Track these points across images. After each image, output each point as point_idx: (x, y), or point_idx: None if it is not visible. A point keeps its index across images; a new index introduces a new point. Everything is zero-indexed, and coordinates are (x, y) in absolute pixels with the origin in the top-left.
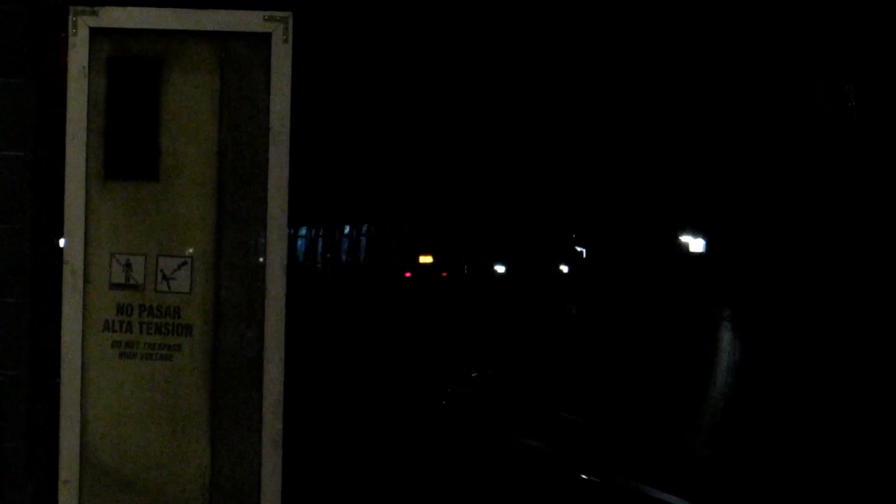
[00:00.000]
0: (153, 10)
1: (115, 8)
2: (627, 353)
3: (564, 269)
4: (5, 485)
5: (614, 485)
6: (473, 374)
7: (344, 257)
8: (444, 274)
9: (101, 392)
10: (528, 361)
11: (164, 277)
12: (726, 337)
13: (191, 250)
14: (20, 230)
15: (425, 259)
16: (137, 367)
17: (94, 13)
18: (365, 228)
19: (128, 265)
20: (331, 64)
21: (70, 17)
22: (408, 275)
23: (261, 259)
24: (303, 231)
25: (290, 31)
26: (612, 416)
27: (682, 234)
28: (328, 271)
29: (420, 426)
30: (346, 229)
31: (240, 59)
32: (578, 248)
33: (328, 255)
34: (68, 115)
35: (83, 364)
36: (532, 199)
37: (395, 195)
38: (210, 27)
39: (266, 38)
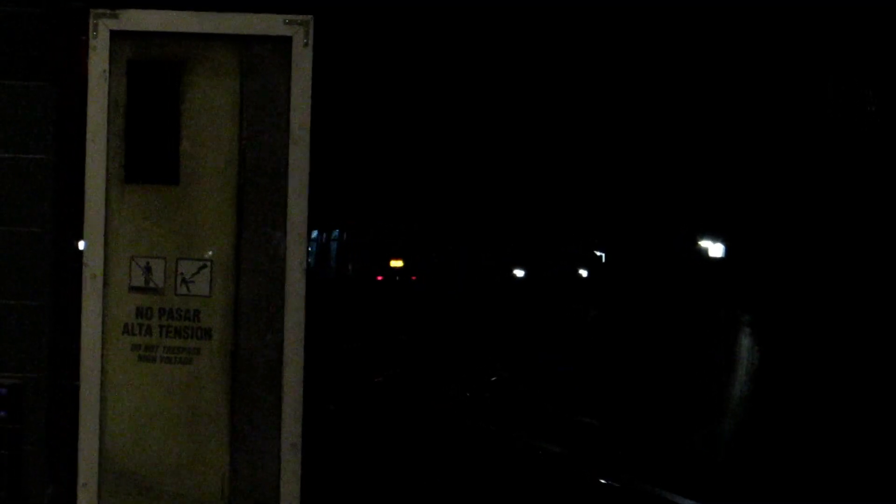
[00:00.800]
0: (174, 13)
1: (135, 11)
2: (646, 357)
3: (584, 272)
4: (25, 488)
5: (633, 490)
6: (493, 378)
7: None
8: (413, 278)
9: (120, 395)
10: (538, 357)
11: (184, 280)
12: (745, 342)
13: (210, 253)
14: (40, 233)
15: (396, 263)
16: (157, 370)
17: (114, 16)
18: (333, 233)
19: (147, 268)
20: (343, 67)
21: (91, 19)
22: (379, 278)
23: (281, 262)
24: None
25: (311, 34)
26: (632, 420)
27: (701, 238)
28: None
29: (438, 429)
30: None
31: (261, 62)
32: (598, 252)
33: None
34: (88, 119)
35: (103, 367)
36: (552, 203)
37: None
38: (231, 30)
39: (287, 41)
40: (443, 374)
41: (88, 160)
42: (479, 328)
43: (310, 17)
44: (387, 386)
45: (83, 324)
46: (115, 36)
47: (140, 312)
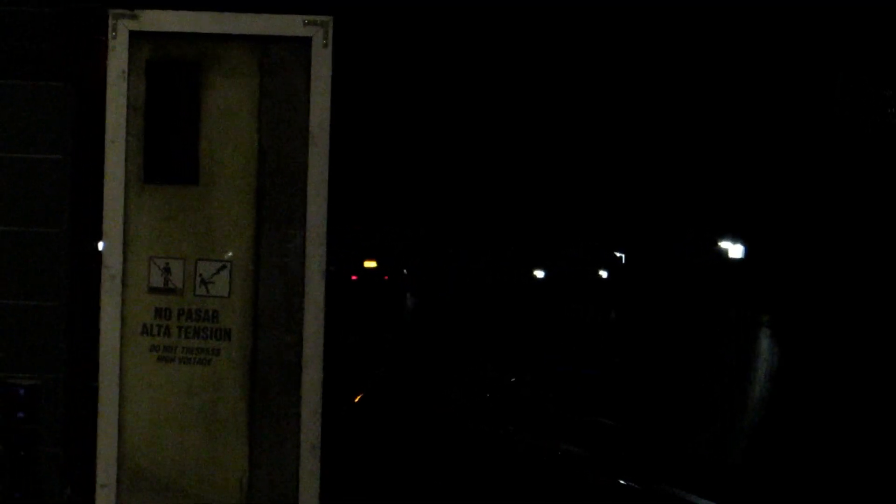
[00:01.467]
0: (193, 14)
1: (154, 11)
2: (666, 359)
3: (604, 274)
4: (43, 488)
5: (653, 491)
6: (512, 379)
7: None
8: (385, 277)
9: (138, 396)
10: (542, 358)
11: (203, 281)
12: (765, 343)
13: (230, 254)
14: (59, 234)
15: (369, 263)
16: (175, 371)
17: (133, 17)
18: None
19: (166, 269)
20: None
21: (110, 20)
22: (353, 278)
23: (300, 263)
24: None
25: (331, 35)
26: (651, 421)
27: (721, 239)
28: None
29: (457, 430)
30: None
31: (280, 62)
32: (618, 254)
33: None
34: (107, 119)
35: (121, 368)
36: (553, 206)
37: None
38: (250, 31)
39: (306, 42)
40: (444, 376)
41: (107, 160)
42: (475, 329)
43: (329, 17)
44: (382, 388)
45: (101, 324)
46: (134, 36)
47: (159, 313)
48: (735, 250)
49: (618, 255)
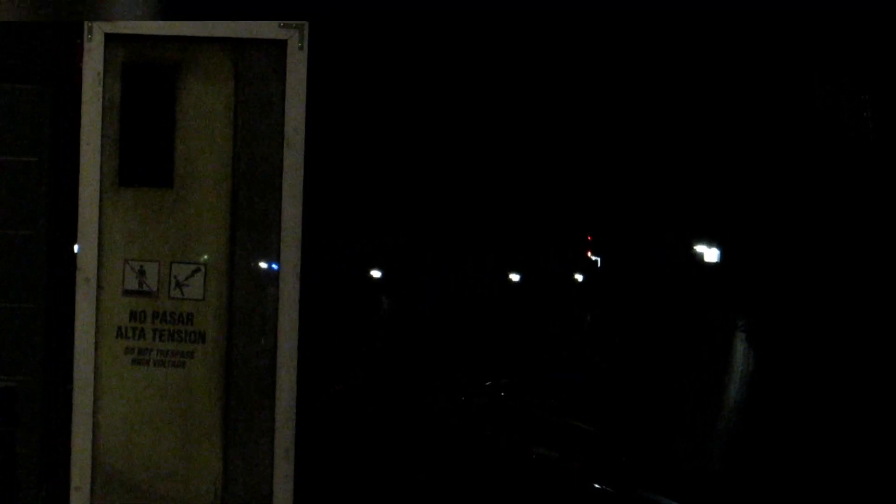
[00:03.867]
0: None
1: None
2: (642, 363)
3: (579, 277)
4: (18, 490)
5: (627, 495)
6: (487, 383)
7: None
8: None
9: (113, 398)
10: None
11: (178, 284)
12: (741, 348)
13: (205, 257)
14: (35, 236)
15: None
16: (150, 373)
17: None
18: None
19: (141, 271)
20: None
21: (85, 23)
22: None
23: (274, 266)
24: None
25: (306, 38)
26: (627, 426)
27: (697, 243)
28: None
29: (434, 434)
30: None
31: (255, 66)
32: (594, 257)
33: None
34: (83, 122)
35: (96, 370)
36: (546, 206)
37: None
38: (226, 34)
39: (282, 45)
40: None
41: (82, 163)
42: (457, 336)
43: (304, 21)
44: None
45: (76, 327)
46: (110, 39)
47: (134, 316)
48: (710, 254)
49: (594, 258)
